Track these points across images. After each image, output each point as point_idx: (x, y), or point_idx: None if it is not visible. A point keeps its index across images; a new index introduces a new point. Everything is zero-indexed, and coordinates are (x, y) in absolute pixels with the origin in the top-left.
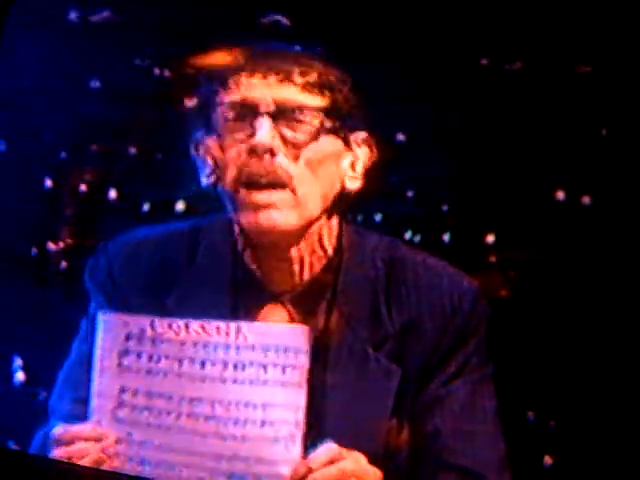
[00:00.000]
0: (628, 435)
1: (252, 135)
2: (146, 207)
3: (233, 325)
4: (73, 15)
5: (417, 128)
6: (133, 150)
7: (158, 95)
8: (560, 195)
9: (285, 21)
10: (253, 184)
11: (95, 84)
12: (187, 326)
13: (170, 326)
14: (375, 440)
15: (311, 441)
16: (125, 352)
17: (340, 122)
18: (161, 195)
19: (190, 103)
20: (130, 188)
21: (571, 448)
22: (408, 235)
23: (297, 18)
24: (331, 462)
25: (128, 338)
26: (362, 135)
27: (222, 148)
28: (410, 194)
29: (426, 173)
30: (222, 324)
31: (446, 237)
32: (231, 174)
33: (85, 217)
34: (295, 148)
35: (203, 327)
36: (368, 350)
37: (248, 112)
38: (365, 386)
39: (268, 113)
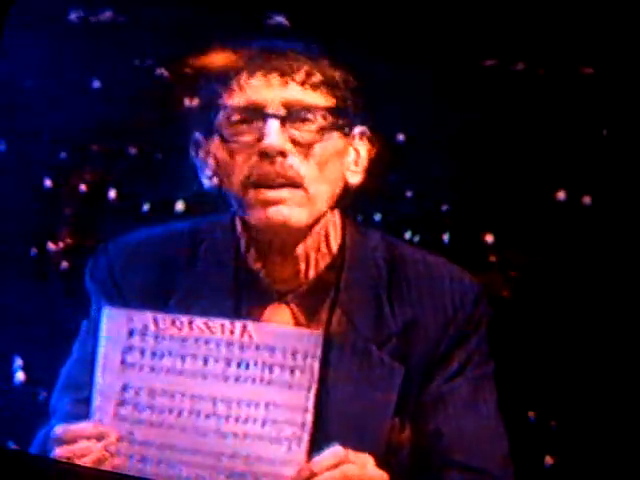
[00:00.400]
0: (628, 435)
1: (261, 138)
2: (146, 207)
3: (238, 324)
4: (73, 15)
5: (417, 128)
6: (133, 150)
7: (158, 95)
8: (561, 195)
9: (285, 21)
10: (264, 185)
11: (95, 84)
12: (190, 323)
13: (173, 322)
14: (378, 439)
15: (315, 442)
16: (129, 349)
17: (343, 119)
18: (161, 195)
19: (190, 103)
20: (130, 188)
21: (572, 448)
22: (408, 235)
23: (297, 18)
24: (335, 466)
25: (131, 334)
26: (362, 129)
27: (228, 151)
28: (410, 194)
29: (426, 173)
30: (227, 322)
31: (446, 237)
32: (239, 176)
33: (85, 217)
34: (304, 148)
35: (207, 324)
36: (371, 349)
37: (255, 115)
38: (368, 384)
39: (276, 115)
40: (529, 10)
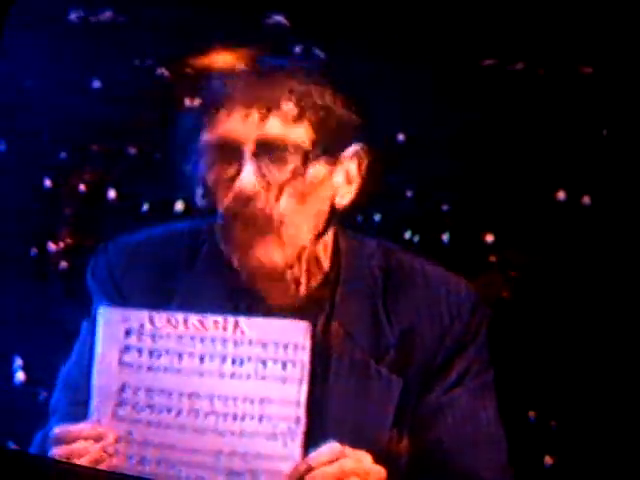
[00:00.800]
0: (628, 435)
1: (236, 177)
2: (146, 207)
3: (231, 319)
4: (73, 15)
5: (417, 128)
6: (133, 150)
7: (158, 95)
8: (560, 195)
9: (285, 21)
10: (239, 226)
11: (95, 84)
12: (185, 320)
13: (169, 320)
14: (376, 450)
15: (312, 445)
16: (126, 348)
17: (330, 143)
18: (161, 195)
19: (190, 103)
20: (130, 188)
21: (571, 448)
22: (408, 235)
23: (297, 18)
24: (332, 461)
25: (128, 333)
26: (354, 148)
27: (212, 183)
28: (410, 194)
29: (426, 173)
30: (220, 318)
31: (445, 237)
32: (221, 212)
33: (85, 217)
34: (281, 186)
35: (201, 321)
36: (369, 362)
37: (232, 153)
38: (366, 397)
39: (252, 154)
40: (529, 10)
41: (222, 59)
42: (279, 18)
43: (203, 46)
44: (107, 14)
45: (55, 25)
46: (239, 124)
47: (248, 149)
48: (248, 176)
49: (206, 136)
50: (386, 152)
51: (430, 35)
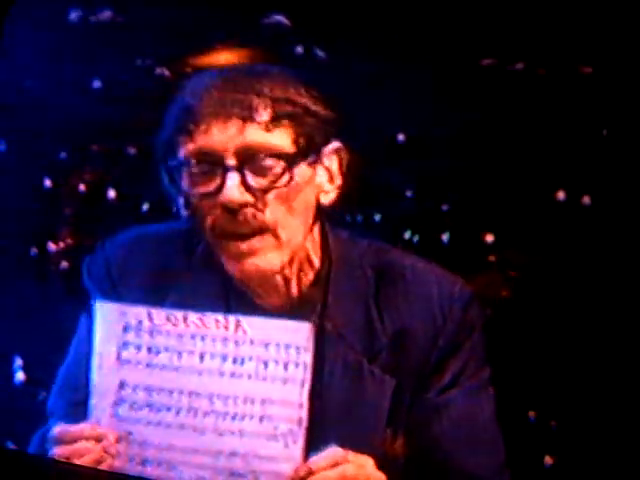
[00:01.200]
0: (628, 435)
1: (220, 189)
2: (146, 207)
3: (232, 319)
4: (74, 15)
5: (417, 128)
6: (133, 150)
7: (158, 95)
8: (560, 195)
9: (285, 21)
10: (233, 235)
11: (96, 84)
12: (185, 318)
13: (168, 318)
14: (371, 450)
15: (312, 446)
16: (124, 345)
17: (310, 144)
18: (161, 195)
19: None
20: (129, 188)
21: (571, 448)
22: (407, 235)
23: (297, 18)
24: (333, 466)
25: (126, 329)
26: (334, 146)
27: (193, 198)
28: (410, 194)
29: (426, 173)
30: (221, 317)
31: (445, 237)
32: (208, 226)
33: (85, 217)
34: (266, 193)
35: (201, 319)
36: (362, 362)
37: (212, 166)
38: (360, 398)
39: (233, 167)
40: (529, 10)
41: (222, 59)
42: (279, 18)
43: (203, 46)
44: (107, 14)
45: (55, 25)
46: (218, 136)
47: (229, 160)
48: (232, 188)
49: (184, 150)
50: (386, 152)
51: (430, 35)
